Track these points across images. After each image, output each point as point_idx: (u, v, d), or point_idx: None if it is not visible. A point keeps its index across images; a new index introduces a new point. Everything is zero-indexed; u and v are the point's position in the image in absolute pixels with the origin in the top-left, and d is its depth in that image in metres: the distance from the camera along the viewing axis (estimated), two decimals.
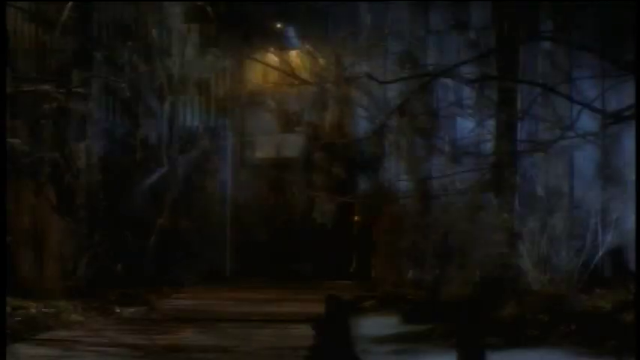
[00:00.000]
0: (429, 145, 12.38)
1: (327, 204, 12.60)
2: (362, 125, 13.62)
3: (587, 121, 14.46)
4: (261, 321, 11.49)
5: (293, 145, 15.55)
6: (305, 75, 14.83)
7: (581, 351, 10.20)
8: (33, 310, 12.04)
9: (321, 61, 12.98)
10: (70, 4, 13.45)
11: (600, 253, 13.72)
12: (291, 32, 15.39)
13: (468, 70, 13.95)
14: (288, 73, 14.47)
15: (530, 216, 13.92)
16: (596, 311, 12.26)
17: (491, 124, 12.89)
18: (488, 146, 13.01)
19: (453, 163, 12.64)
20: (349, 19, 15.26)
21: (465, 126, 13.65)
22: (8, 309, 12.15)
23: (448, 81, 13.47)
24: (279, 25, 15.32)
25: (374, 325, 12.07)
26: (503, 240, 12.61)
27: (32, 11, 15.00)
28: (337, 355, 8.71)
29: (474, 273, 12.78)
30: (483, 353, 7.53)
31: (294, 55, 15.46)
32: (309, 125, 12.99)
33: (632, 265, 14.49)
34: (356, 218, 15.40)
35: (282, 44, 15.51)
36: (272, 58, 15.35)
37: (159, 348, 9.53)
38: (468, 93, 13.93)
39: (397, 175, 12.76)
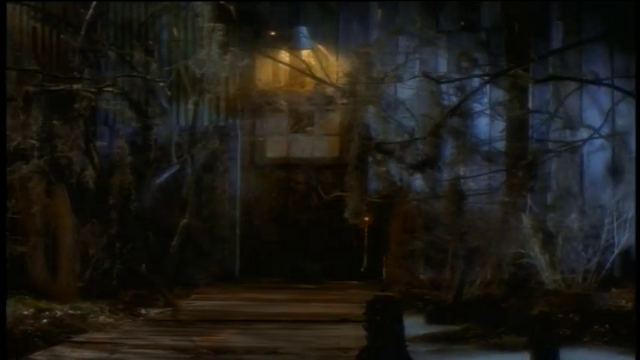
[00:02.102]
0: (464, 145, 12.41)
1: (360, 204, 12.57)
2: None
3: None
4: (295, 322, 11.44)
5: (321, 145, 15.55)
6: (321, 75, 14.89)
7: (620, 350, 10.30)
8: (59, 313, 11.92)
9: (354, 62, 12.91)
10: (94, 3, 13.41)
11: (616, 252, 13.81)
12: (304, 32, 15.32)
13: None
14: (309, 74, 14.50)
15: (548, 215, 14.06)
16: (620, 310, 12.37)
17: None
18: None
19: (487, 163, 12.69)
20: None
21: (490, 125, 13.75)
22: (32, 311, 12.09)
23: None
24: (292, 27, 15.24)
25: None
26: (531, 240, 12.65)
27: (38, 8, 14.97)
28: (390, 356, 8.68)
29: (497, 273, 12.82)
30: (558, 353, 7.56)
31: (312, 56, 15.40)
32: (359, 125, 12.94)
33: None
34: (367, 218, 15.26)
35: (295, 45, 15.42)
36: (295, 59, 15.30)
37: (205, 350, 9.46)
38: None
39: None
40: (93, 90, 12.69)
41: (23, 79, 13.10)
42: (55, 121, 12.74)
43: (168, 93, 13.95)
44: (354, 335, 10.34)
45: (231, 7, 13.79)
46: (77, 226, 13.43)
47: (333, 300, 13.70)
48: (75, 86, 12.35)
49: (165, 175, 14.66)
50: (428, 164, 11.95)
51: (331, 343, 9.87)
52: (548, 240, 13.43)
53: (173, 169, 14.75)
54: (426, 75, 12.14)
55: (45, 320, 11.45)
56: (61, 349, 9.58)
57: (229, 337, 10.33)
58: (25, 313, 11.91)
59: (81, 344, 9.88)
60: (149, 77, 13.64)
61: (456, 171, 12.50)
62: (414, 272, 14.64)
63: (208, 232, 15.28)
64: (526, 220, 13.39)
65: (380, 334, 8.77)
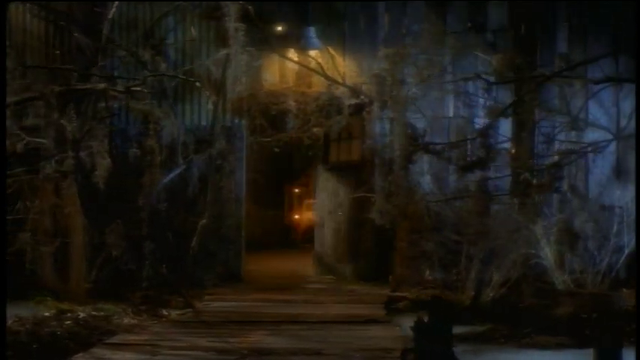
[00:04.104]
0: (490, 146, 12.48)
1: (386, 205, 12.59)
2: None
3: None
4: (323, 322, 11.41)
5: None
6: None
7: None
8: (81, 314, 11.81)
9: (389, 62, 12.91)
10: (116, 3, 13.32)
11: (626, 253, 13.91)
12: (312, 33, 15.26)
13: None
14: (323, 74, 14.50)
15: (557, 217, 14.15)
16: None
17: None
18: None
19: (511, 163, 12.77)
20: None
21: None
22: (53, 312, 11.98)
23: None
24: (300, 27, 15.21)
25: None
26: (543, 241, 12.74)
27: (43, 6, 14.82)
28: (437, 356, 8.71)
29: (515, 274, 12.89)
30: (621, 353, 7.63)
31: (320, 56, 15.33)
32: (406, 126, 12.90)
33: None
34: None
35: (304, 45, 15.35)
36: (305, 59, 15.24)
37: (247, 351, 9.43)
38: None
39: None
40: (121, 90, 12.61)
41: (40, 79, 13.02)
42: (71, 122, 12.57)
43: (207, 93, 13.83)
44: (389, 335, 10.42)
45: (250, 7, 13.67)
46: (86, 227, 13.39)
47: (348, 301, 13.70)
48: (105, 85, 12.23)
49: (171, 176, 14.54)
50: (478, 165, 11.98)
51: (371, 343, 9.88)
52: (563, 241, 13.52)
53: (182, 169, 14.65)
54: (478, 76, 12.16)
55: (68, 322, 11.34)
56: (101, 352, 9.52)
57: (263, 338, 10.29)
58: (47, 314, 11.81)
59: (119, 346, 9.80)
60: (184, 77, 13.51)
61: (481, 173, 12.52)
62: (423, 273, 14.68)
63: (215, 233, 15.13)
64: (540, 222, 13.48)
65: (427, 335, 8.78)
